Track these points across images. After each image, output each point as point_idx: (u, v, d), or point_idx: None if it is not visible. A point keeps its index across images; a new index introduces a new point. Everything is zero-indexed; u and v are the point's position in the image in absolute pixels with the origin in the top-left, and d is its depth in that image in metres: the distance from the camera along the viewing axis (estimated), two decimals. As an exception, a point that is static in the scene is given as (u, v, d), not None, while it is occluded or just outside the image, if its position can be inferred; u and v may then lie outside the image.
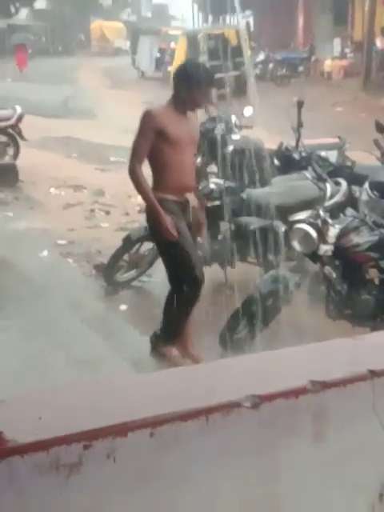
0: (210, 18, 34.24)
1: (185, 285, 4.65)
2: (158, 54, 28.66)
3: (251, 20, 33.41)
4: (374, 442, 1.71)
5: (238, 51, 21.59)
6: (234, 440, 1.56)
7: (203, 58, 22.29)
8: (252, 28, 32.76)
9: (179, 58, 23.75)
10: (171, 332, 4.83)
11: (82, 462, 1.42)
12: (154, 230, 4.59)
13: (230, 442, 1.56)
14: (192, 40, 23.56)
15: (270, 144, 8.10)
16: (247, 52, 23.55)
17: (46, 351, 4.83)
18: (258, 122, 8.69)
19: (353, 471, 1.69)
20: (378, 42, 21.03)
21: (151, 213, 4.45)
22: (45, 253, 7.39)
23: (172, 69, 24.08)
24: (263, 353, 1.99)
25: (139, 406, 1.54)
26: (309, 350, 1.86)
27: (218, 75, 20.74)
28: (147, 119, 4.36)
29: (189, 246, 4.57)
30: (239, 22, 30.09)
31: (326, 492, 1.67)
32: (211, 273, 6.42)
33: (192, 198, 4.62)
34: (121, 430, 1.46)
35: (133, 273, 6.57)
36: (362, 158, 7.40)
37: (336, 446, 1.67)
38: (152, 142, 4.33)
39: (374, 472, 1.71)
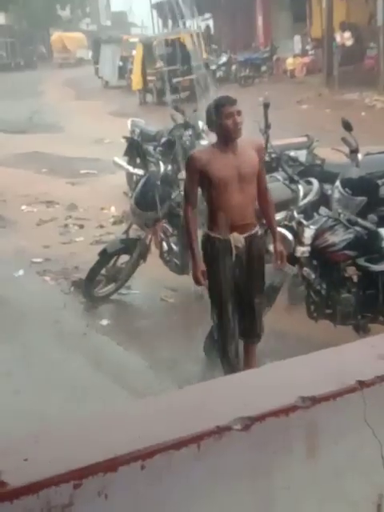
0: (170, 23, 34.26)
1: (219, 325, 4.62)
2: (121, 63, 28.59)
3: (211, 23, 33.50)
4: (368, 452, 1.70)
5: (194, 55, 21.71)
6: (227, 464, 1.53)
7: (160, 64, 22.36)
8: (212, 31, 32.87)
9: (137, 65, 23.78)
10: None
11: (72, 503, 1.38)
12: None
13: (223, 466, 1.53)
14: (148, 47, 23.56)
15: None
16: (203, 55, 23.63)
17: (27, 377, 4.75)
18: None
19: (349, 484, 1.67)
20: (338, 38, 21.15)
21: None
22: (21, 272, 7.31)
23: (132, 77, 24.16)
24: (250, 371, 1.97)
25: (129, 438, 1.51)
26: (295, 364, 1.84)
27: (175, 80, 20.96)
28: (190, 163, 4.42)
29: (223, 290, 4.49)
30: (198, 25, 30.19)
31: (324, 508, 1.65)
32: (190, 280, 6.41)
33: (236, 238, 4.43)
34: (111, 465, 1.43)
35: (112, 287, 6.52)
36: (331, 154, 7.41)
37: (330, 460, 1.65)
38: (199, 183, 4.40)
39: (370, 483, 1.69)
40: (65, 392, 4.52)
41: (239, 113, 4.32)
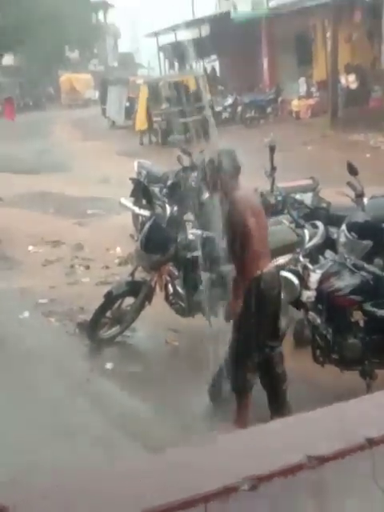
0: (176, 64, 34.78)
1: None
2: (127, 103, 28.94)
3: (217, 64, 33.98)
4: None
5: (198, 96, 22.01)
6: (234, 526, 1.50)
7: (165, 105, 22.68)
8: (218, 72, 33.32)
9: (141, 107, 24.12)
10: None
11: None
12: None
13: (230, 529, 1.50)
14: (153, 88, 23.92)
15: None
16: (209, 96, 23.94)
17: (32, 421, 4.70)
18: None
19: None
20: (343, 80, 21.43)
21: None
22: (26, 314, 7.30)
23: (136, 118, 24.51)
24: (256, 427, 1.95)
25: (135, 497, 1.49)
26: (302, 421, 1.81)
27: (181, 120, 21.23)
28: None
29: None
30: (204, 67, 30.66)
31: None
32: (195, 323, 6.40)
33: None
34: (116, 527, 1.41)
35: (116, 329, 6.51)
36: (337, 196, 7.43)
37: (339, 521, 1.62)
38: None
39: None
40: (68, 438, 4.47)
41: (212, 177, 4.68)
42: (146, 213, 7.78)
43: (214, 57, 33.86)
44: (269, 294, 4.62)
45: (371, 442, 1.65)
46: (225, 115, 24.77)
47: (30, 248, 10.21)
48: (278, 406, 4.76)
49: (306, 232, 5.42)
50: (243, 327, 4.60)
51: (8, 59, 53.02)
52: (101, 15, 61.37)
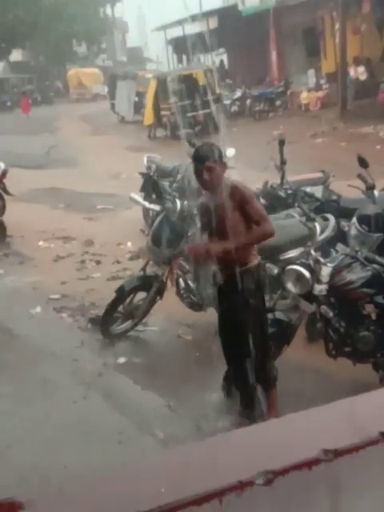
0: (185, 58, 34.71)
1: None
2: (136, 98, 28.94)
3: (225, 58, 33.90)
4: (392, 506, 1.67)
5: (208, 90, 22.01)
6: (250, 521, 1.51)
7: (174, 99, 22.68)
8: (227, 66, 33.24)
9: (149, 101, 24.16)
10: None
11: None
12: None
13: (246, 523, 1.51)
14: (162, 82, 23.91)
15: (255, 181, 8.13)
16: (217, 90, 23.93)
17: (45, 418, 4.73)
18: (240, 159, 8.68)
19: (373, 540, 1.64)
20: (352, 72, 21.34)
21: None
22: (38, 309, 7.33)
23: (144, 112, 24.54)
24: (270, 422, 1.96)
25: (150, 493, 1.49)
26: (317, 415, 1.82)
27: (189, 114, 21.22)
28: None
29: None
30: (213, 60, 30.61)
31: None
32: (206, 317, 6.40)
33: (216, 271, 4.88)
34: (131, 523, 1.41)
35: (129, 323, 6.53)
36: (347, 189, 7.42)
37: (354, 515, 1.62)
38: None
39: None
40: (82, 433, 4.50)
41: (209, 169, 4.31)
42: (156, 207, 7.79)
43: (222, 50, 33.77)
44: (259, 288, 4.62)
45: (385, 436, 1.65)
46: (234, 108, 24.77)
47: (41, 243, 10.25)
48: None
49: (317, 225, 5.39)
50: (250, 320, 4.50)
51: (16, 55, 53.09)
52: (108, 9, 61.31)
